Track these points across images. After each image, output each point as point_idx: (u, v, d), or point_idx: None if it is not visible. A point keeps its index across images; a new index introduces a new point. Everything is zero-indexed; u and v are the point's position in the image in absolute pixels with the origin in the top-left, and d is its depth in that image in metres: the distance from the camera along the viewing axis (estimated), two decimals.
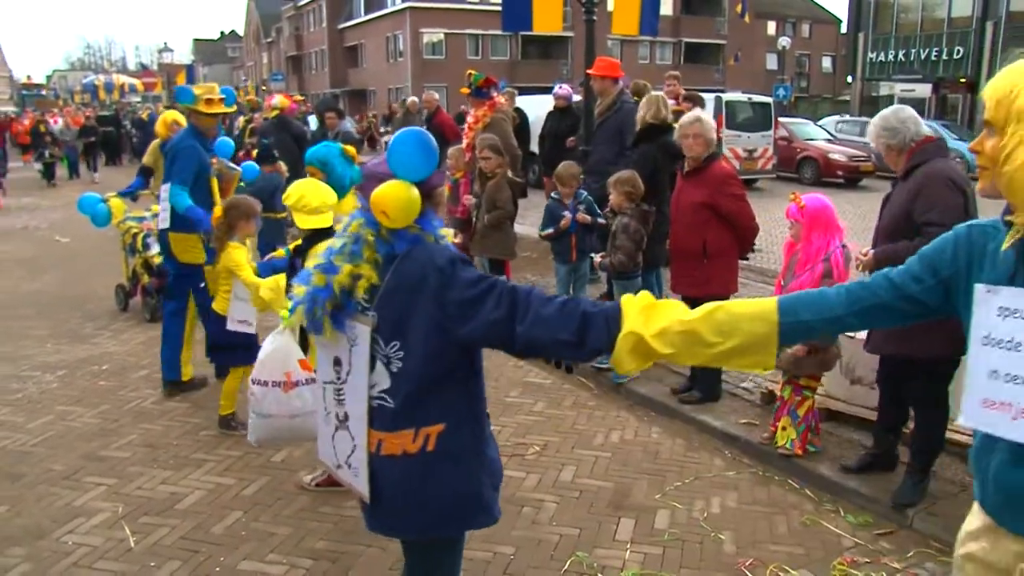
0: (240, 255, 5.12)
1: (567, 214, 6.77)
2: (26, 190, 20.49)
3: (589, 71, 8.63)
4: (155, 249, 8.16)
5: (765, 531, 4.30)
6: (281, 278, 4.49)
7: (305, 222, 4.26)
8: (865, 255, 4.34)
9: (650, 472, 4.98)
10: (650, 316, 2.16)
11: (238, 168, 6.89)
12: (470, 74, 9.69)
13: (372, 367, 2.47)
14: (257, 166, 7.73)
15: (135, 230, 8.61)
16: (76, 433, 5.57)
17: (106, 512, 4.50)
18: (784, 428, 5.03)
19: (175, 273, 6.34)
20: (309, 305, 2.50)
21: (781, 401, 5.11)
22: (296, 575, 3.90)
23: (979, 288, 1.99)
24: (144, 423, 5.73)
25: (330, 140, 11.60)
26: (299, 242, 4.56)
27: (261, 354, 3.81)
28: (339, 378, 2.56)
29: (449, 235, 2.61)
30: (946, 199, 4.04)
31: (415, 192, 2.41)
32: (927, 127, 4.40)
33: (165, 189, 6.11)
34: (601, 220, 6.74)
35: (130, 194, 8.48)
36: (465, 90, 9.57)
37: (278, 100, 12.49)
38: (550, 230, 6.91)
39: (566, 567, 3.95)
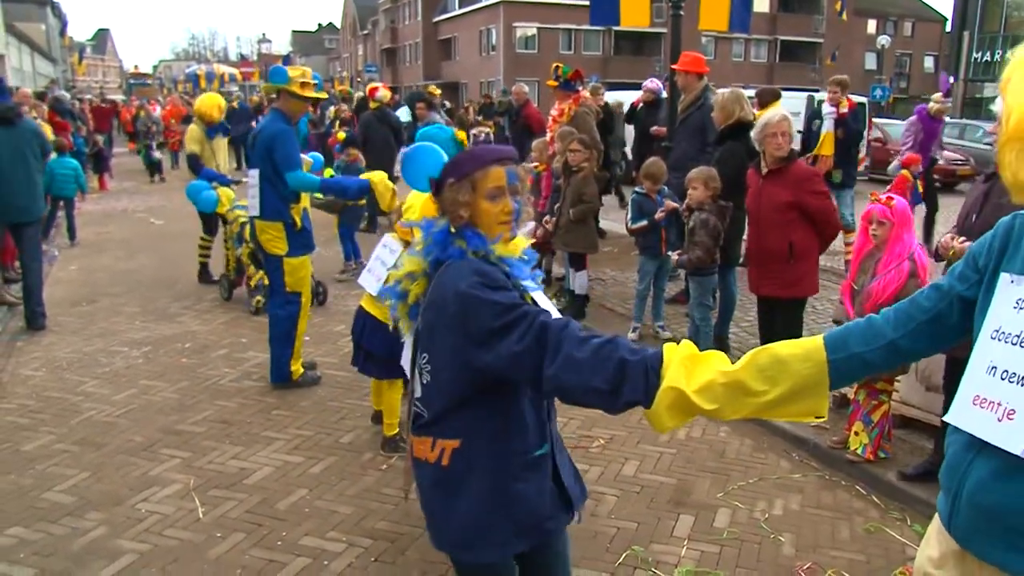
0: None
1: (667, 203, 6.77)
2: (129, 174, 21.30)
3: (673, 66, 8.55)
4: None
5: (827, 536, 4.21)
6: None
7: None
8: (963, 244, 4.09)
9: (714, 470, 4.92)
10: (692, 368, 1.96)
11: (308, 158, 6.79)
12: (557, 67, 9.70)
13: (412, 372, 2.47)
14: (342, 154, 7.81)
15: (243, 219, 8.24)
16: (156, 407, 5.79)
17: (178, 483, 4.67)
18: (857, 433, 4.91)
19: (266, 263, 6.25)
20: (394, 298, 2.49)
21: (855, 405, 5.00)
22: (354, 553, 3.99)
23: (1003, 277, 1.87)
24: (220, 400, 5.92)
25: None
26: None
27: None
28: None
29: (519, 243, 2.50)
30: None
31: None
32: None
33: (254, 175, 5.94)
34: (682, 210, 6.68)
35: (228, 183, 8.78)
36: (552, 83, 9.59)
37: (381, 93, 12.66)
38: (643, 222, 6.89)
39: (621, 560, 3.94)
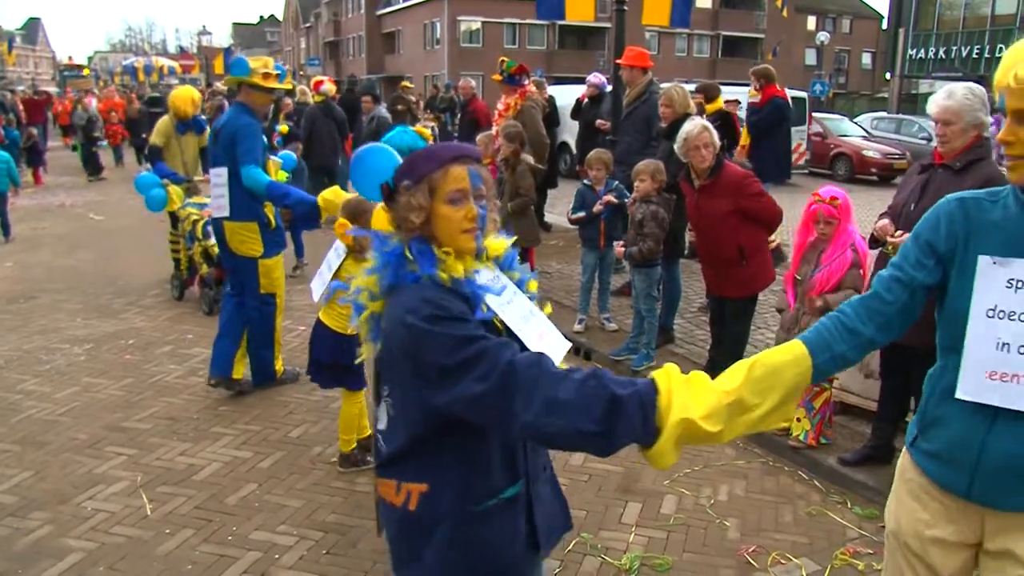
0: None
1: (606, 197, 6.82)
2: (65, 169, 20.81)
3: (618, 60, 8.63)
4: (215, 238, 7.88)
5: (771, 520, 4.32)
6: None
7: None
8: (900, 236, 4.19)
9: None
10: (695, 394, 1.77)
11: (277, 158, 6.53)
12: (502, 61, 9.72)
13: (378, 401, 2.20)
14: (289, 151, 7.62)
15: (195, 217, 8.07)
16: (100, 404, 5.70)
17: (125, 480, 4.62)
18: (799, 419, 5.04)
19: (231, 267, 5.96)
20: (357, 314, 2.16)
21: None
22: (305, 546, 3.99)
23: (983, 260, 2.01)
24: (166, 396, 5.85)
25: (365, 125, 11.75)
26: None
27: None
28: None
29: (499, 245, 2.26)
30: None
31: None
32: None
33: (219, 174, 5.67)
34: (627, 202, 6.75)
35: (182, 183, 8.37)
36: (497, 77, 9.60)
37: (327, 87, 12.53)
38: (581, 213, 6.96)
39: (570, 547, 3.99)
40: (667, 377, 1.78)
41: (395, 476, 2.10)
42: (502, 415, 1.81)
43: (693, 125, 5.56)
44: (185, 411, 5.61)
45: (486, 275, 2.13)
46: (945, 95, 4.13)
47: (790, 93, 20.04)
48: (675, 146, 5.68)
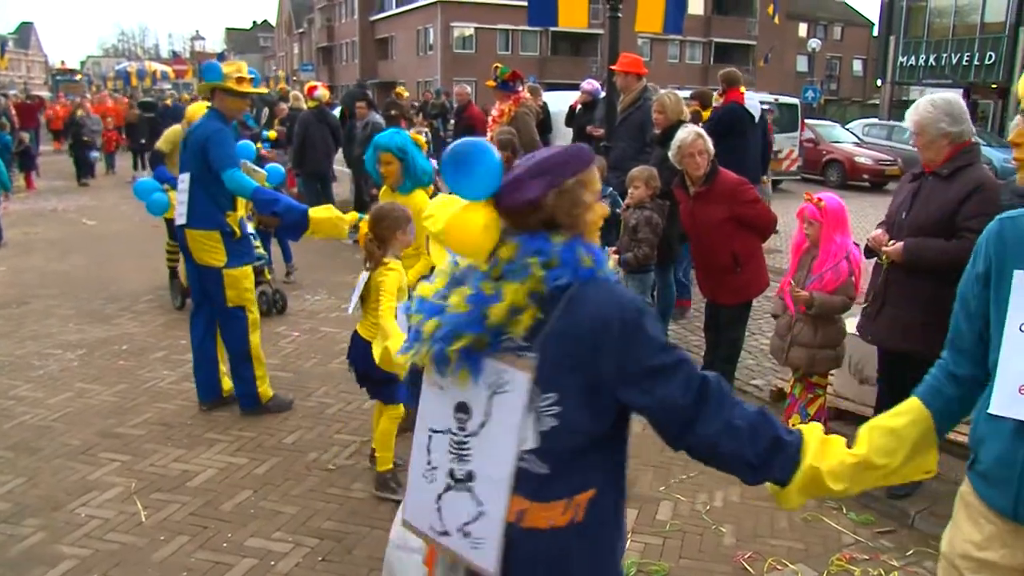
0: (392, 281, 4.19)
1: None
2: (58, 174, 20.74)
3: (612, 67, 8.65)
4: None
5: (766, 526, 4.33)
6: None
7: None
8: (892, 245, 4.27)
9: (656, 464, 5.01)
10: (826, 450, 2.00)
11: (262, 170, 6.20)
12: (496, 67, 9.73)
13: (522, 425, 2.01)
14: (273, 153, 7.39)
15: None
16: (93, 410, 5.68)
17: (119, 487, 4.60)
18: (794, 426, 5.04)
19: (195, 277, 5.71)
20: (444, 341, 1.98)
21: (792, 399, 5.14)
22: (301, 553, 3.98)
23: (1018, 274, 2.04)
24: (160, 402, 5.83)
25: (359, 131, 11.74)
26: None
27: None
28: (463, 428, 2.04)
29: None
30: (996, 211, 3.98)
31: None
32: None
33: (184, 180, 5.50)
34: (619, 212, 6.77)
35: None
36: (491, 83, 9.62)
37: (321, 92, 12.51)
38: None
39: None
40: (811, 432, 2.03)
41: (562, 494, 1.97)
42: (685, 425, 1.92)
43: (687, 132, 5.55)
44: (179, 417, 5.59)
45: None
46: (912, 109, 4.26)
47: (782, 99, 20.23)
48: (669, 153, 5.67)
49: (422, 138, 5.02)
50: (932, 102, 4.18)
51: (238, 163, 5.38)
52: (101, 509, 4.36)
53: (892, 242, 4.29)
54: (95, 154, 19.84)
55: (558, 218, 1.98)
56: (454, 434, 2.05)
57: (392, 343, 3.62)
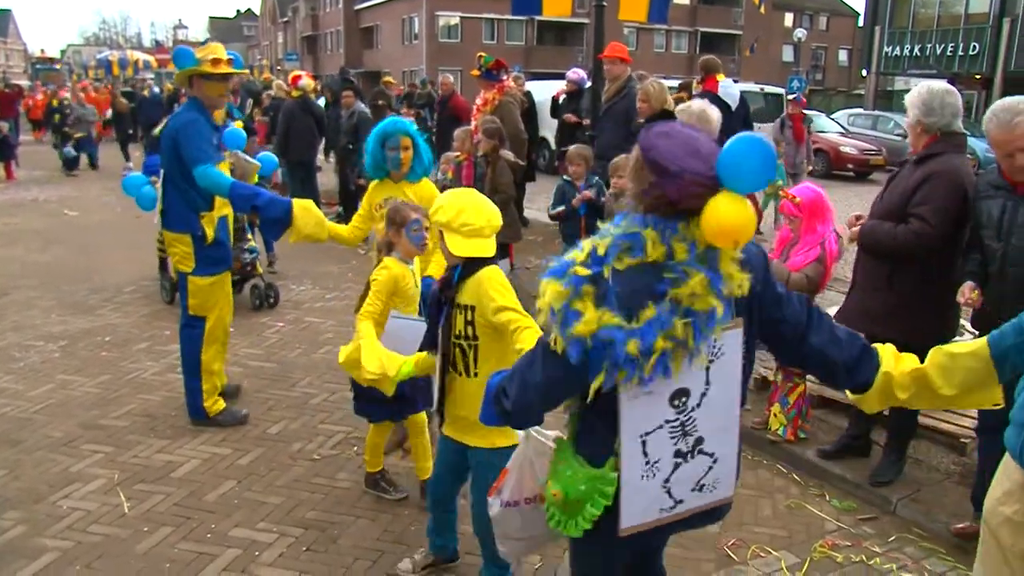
0: (384, 282, 3.86)
1: (584, 193, 6.82)
2: (38, 163, 20.55)
3: (600, 55, 8.65)
4: None
5: (750, 514, 4.35)
6: (397, 362, 3.41)
7: (461, 247, 3.10)
8: (859, 221, 4.37)
9: None
10: (897, 362, 2.34)
11: (255, 161, 5.99)
12: (480, 56, 9.71)
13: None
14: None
15: None
16: (76, 402, 5.64)
17: (102, 479, 4.58)
18: (776, 415, 5.07)
19: (178, 278, 5.44)
20: (704, 333, 2.07)
21: (774, 387, 5.16)
22: (285, 543, 3.97)
23: None
24: (143, 394, 5.80)
25: (344, 121, 11.68)
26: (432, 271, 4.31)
27: (512, 469, 2.79)
28: (683, 410, 2.20)
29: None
30: (947, 201, 4.00)
31: None
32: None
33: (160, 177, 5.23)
34: (603, 201, 6.77)
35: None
36: (475, 72, 9.59)
37: (305, 82, 12.42)
38: (561, 208, 6.97)
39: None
40: (885, 347, 2.38)
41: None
42: (799, 336, 2.33)
43: (696, 105, 5.51)
44: (163, 408, 5.56)
45: None
46: (914, 103, 4.20)
47: (768, 89, 20.26)
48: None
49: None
50: (918, 90, 4.21)
51: (213, 158, 4.88)
52: (84, 501, 4.34)
53: (860, 218, 4.38)
54: (69, 150, 19.36)
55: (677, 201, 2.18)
56: (672, 420, 2.20)
57: (364, 350, 3.44)
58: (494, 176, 7.34)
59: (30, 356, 6.55)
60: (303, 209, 4.61)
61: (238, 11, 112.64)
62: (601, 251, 2.09)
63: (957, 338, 5.16)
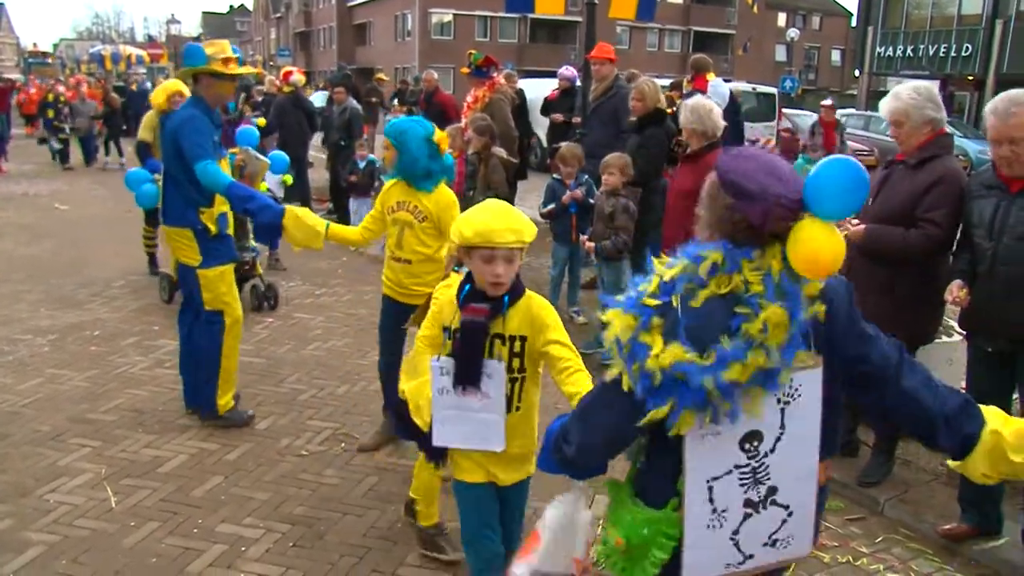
0: (444, 300, 3.07)
1: (574, 192, 6.83)
2: (29, 157, 20.46)
3: (588, 55, 8.65)
4: None
5: None
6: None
7: None
8: (855, 225, 4.24)
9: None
10: (1005, 420, 2.07)
11: (265, 159, 5.82)
12: (470, 54, 9.69)
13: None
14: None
15: None
16: (64, 396, 5.62)
17: (89, 473, 4.56)
18: None
19: (180, 273, 5.38)
20: (785, 363, 1.94)
21: None
22: (272, 539, 3.97)
23: None
24: (131, 388, 5.78)
25: (336, 117, 11.66)
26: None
27: (545, 539, 2.38)
28: (755, 455, 2.03)
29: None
30: (955, 205, 4.01)
31: None
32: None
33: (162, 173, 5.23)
34: (592, 201, 6.78)
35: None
36: (465, 70, 9.58)
37: (296, 78, 12.39)
38: (551, 206, 6.98)
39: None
40: (988, 407, 2.11)
41: (823, 456, 2.13)
42: (888, 376, 2.08)
43: (701, 101, 5.50)
44: (151, 403, 5.54)
45: None
46: (892, 97, 4.23)
47: (760, 88, 20.29)
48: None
49: (444, 135, 4.56)
50: (916, 89, 4.18)
51: (213, 154, 4.85)
52: (71, 495, 4.32)
53: (856, 222, 4.31)
54: (52, 143, 19.21)
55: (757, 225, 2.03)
56: (743, 466, 2.02)
57: (420, 388, 2.98)
58: (487, 173, 7.33)
59: (19, 350, 6.52)
60: (294, 218, 4.51)
61: (231, 6, 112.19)
62: (668, 278, 1.98)
63: (945, 338, 5.21)
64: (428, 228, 4.35)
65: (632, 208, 6.23)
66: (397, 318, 4.32)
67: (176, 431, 5.12)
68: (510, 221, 2.73)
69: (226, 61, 4.91)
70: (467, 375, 2.80)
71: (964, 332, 4.16)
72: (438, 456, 3.15)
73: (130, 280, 8.72)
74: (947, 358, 5.37)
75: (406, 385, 3.08)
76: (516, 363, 2.85)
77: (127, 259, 9.34)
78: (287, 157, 6.89)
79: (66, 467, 4.63)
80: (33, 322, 7.26)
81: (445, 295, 3.06)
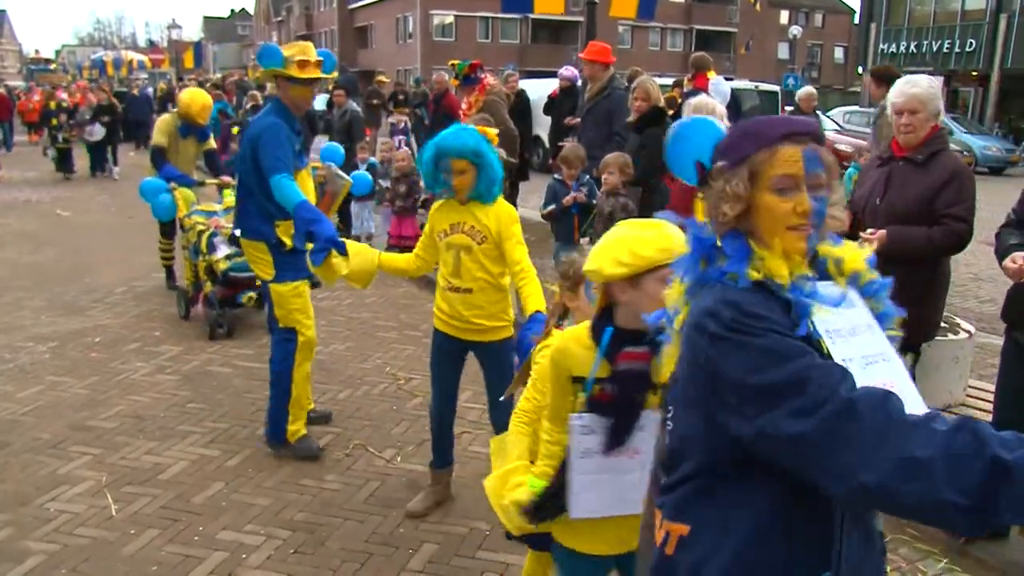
0: (542, 367, 2.67)
1: (576, 193, 6.80)
2: (32, 164, 20.49)
3: (580, 55, 8.63)
4: (221, 252, 7.18)
5: None
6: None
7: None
8: (873, 235, 4.04)
9: None
10: None
11: (348, 178, 5.45)
12: (453, 65, 9.62)
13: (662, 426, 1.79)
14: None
15: (201, 227, 7.36)
16: (65, 403, 5.60)
17: (90, 481, 4.54)
18: None
19: (263, 290, 5.17)
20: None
21: None
22: (273, 545, 3.94)
23: None
24: (132, 395, 5.76)
25: (336, 120, 11.64)
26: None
27: None
28: None
29: (857, 254, 1.81)
30: (973, 198, 4.01)
31: None
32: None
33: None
34: (594, 202, 6.75)
35: (192, 185, 7.80)
36: (454, 82, 9.53)
37: None
38: (552, 207, 6.95)
39: None
40: None
41: (660, 507, 1.73)
42: (829, 468, 1.40)
43: (705, 100, 5.51)
44: (151, 409, 5.52)
45: (829, 291, 1.66)
46: (910, 84, 4.14)
47: (762, 87, 20.25)
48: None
49: (493, 133, 4.08)
50: (929, 80, 4.16)
51: (290, 167, 4.57)
52: (71, 503, 4.30)
53: (871, 231, 4.19)
54: (50, 151, 19.14)
55: (708, 209, 1.74)
56: None
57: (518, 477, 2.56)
58: None
59: (20, 357, 6.51)
60: (355, 254, 4.04)
61: (232, 11, 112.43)
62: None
63: (951, 336, 5.17)
64: (489, 250, 3.85)
65: (632, 208, 6.19)
66: (452, 356, 4.05)
67: (177, 437, 5.10)
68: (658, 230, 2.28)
69: (302, 64, 4.59)
70: (627, 431, 2.31)
71: (1006, 323, 4.00)
72: (546, 544, 2.68)
73: (132, 286, 8.71)
74: (953, 356, 5.34)
75: (493, 479, 2.67)
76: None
77: (129, 266, 9.34)
78: (370, 177, 6.70)
79: (66, 475, 4.60)
80: (35, 329, 7.25)
81: (554, 356, 2.47)
